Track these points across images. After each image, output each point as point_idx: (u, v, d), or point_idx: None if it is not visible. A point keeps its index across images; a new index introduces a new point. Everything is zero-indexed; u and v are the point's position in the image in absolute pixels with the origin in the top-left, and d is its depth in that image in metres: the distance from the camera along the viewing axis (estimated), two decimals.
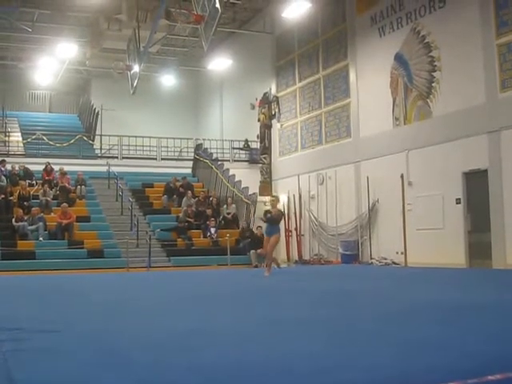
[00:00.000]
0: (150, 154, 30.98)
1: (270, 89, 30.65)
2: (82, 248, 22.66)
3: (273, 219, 16.36)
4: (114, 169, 27.90)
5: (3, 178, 25.74)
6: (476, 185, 19.41)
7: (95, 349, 5.52)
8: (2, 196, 24.61)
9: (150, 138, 30.82)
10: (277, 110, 30.17)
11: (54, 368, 4.66)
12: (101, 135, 31.89)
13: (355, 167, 24.67)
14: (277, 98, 30.18)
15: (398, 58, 22.79)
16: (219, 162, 29.45)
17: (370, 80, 24.20)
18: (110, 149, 30.68)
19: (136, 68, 28.07)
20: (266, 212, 16.86)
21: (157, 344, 5.72)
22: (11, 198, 24.73)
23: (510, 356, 4.59)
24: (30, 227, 23.01)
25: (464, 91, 19.84)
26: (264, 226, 17.97)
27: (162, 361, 4.83)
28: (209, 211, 25.90)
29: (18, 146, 31.74)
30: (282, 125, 29.87)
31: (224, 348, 5.38)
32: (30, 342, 5.83)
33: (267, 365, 4.54)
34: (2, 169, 26.25)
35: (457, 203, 19.86)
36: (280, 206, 28.29)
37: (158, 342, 5.87)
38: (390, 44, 23.14)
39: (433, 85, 21.23)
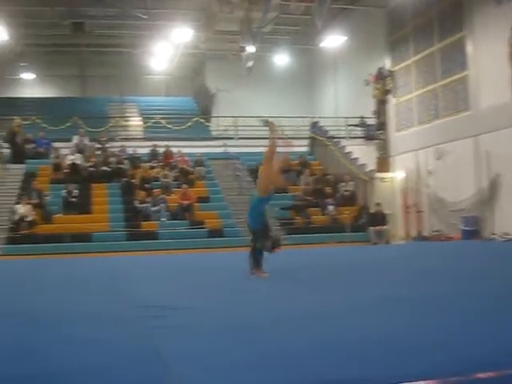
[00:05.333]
0: (266, 133, 31.02)
1: (385, 64, 30.26)
2: (203, 228, 23.14)
3: None
4: (230, 149, 28.24)
5: (125, 161, 26.69)
6: None
7: (227, 324, 5.71)
8: (125, 179, 25.47)
9: (264, 117, 30.88)
10: (392, 85, 29.77)
11: (193, 342, 4.87)
12: (217, 117, 32.30)
13: (474, 141, 24.07)
14: (391, 72, 29.78)
15: None
16: (335, 140, 29.35)
17: (488, 51, 23.49)
18: (226, 130, 31.01)
19: (250, 49, 28.30)
20: None
21: (280, 320, 5.89)
22: (133, 180, 25.50)
23: None
24: (152, 208, 23.69)
25: None
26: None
27: (285, 336, 5.00)
28: (327, 189, 25.91)
29: (137, 131, 32.76)
30: (397, 100, 29.48)
31: (339, 326, 5.49)
32: (168, 319, 6.07)
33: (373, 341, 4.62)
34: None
35: None
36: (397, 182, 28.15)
37: (281, 317, 6.04)
38: (508, 13, 22.41)
39: None
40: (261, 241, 10.72)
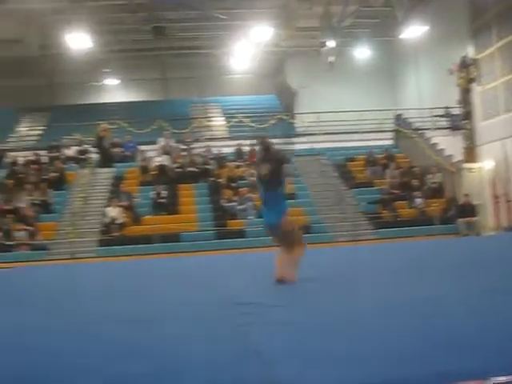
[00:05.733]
0: (350, 127, 30.90)
1: (467, 52, 29.69)
2: None
3: None
4: (315, 145, 28.22)
5: (211, 161, 27.00)
6: None
7: (322, 320, 5.71)
8: (212, 179, 25.75)
9: (348, 112, 30.73)
10: (476, 74, 29.17)
11: (290, 339, 4.88)
12: (300, 113, 32.28)
13: None
14: (475, 60, 29.19)
15: None
16: (420, 131, 28.99)
17: None
18: (309, 126, 30.94)
19: (330, 44, 28.17)
20: None
21: (379, 314, 5.86)
22: (219, 180, 25.74)
23: None
24: (239, 207, 23.85)
25: None
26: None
27: (385, 330, 4.98)
28: (413, 181, 25.65)
29: (220, 130, 33.07)
30: (482, 88, 28.87)
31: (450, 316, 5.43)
32: (264, 316, 6.09)
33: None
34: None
35: None
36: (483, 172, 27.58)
37: (380, 311, 6.00)
38: None
39: None
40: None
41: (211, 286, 8.45)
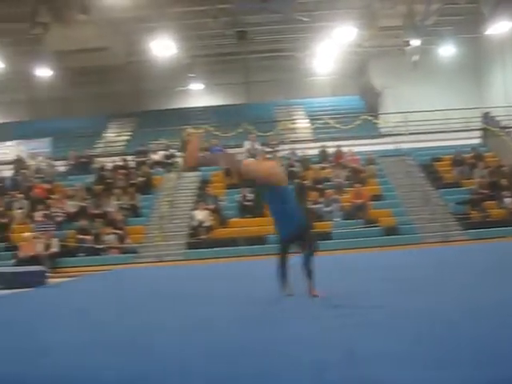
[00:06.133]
0: (436, 127, 30.48)
1: None
2: (377, 226, 22.98)
3: None
4: (401, 145, 27.96)
5: (296, 163, 27.03)
6: None
7: (418, 322, 5.66)
8: (297, 180, 25.79)
9: (433, 111, 30.34)
10: None
11: (385, 341, 4.86)
12: (385, 113, 32.04)
13: None
14: None
15: None
16: (508, 130, 28.40)
17: None
18: (395, 126, 30.66)
19: (414, 43, 27.87)
20: None
21: (473, 315, 5.79)
22: (305, 182, 25.73)
23: None
24: (325, 209, 23.81)
25: None
26: None
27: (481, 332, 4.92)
28: (502, 181, 25.12)
29: (305, 132, 33.10)
30: None
31: None
32: (358, 318, 6.08)
33: None
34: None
35: None
36: None
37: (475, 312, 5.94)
38: None
39: None
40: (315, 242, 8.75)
41: (305, 288, 8.43)
